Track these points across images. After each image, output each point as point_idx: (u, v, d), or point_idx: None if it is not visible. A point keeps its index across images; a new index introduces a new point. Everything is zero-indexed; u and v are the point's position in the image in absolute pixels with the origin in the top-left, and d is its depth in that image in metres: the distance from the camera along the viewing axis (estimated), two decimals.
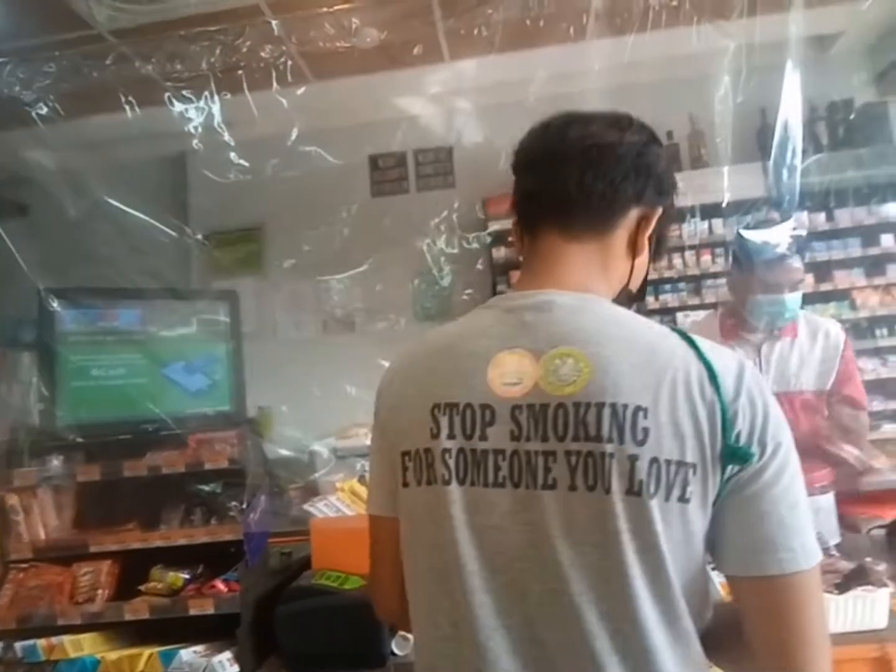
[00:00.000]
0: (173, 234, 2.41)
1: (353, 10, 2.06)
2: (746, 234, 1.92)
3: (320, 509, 1.90)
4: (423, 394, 0.81)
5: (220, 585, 1.60)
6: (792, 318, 1.98)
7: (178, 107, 2.09)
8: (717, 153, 2.65)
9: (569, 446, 0.73)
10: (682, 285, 3.78)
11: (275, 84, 2.08)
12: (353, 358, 3.74)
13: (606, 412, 0.72)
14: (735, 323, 2.05)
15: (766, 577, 0.71)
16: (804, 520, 0.73)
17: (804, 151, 2.00)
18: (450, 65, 3.01)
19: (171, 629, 1.58)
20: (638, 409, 0.72)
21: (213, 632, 1.56)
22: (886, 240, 3.60)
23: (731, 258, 1.96)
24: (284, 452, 2.72)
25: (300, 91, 2.18)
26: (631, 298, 0.91)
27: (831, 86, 3.67)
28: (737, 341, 2.02)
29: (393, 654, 1.48)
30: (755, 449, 0.72)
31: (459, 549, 0.76)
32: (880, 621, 1.29)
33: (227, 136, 2.14)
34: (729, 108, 2.04)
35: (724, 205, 2.25)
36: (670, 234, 0.95)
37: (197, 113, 2.09)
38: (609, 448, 0.71)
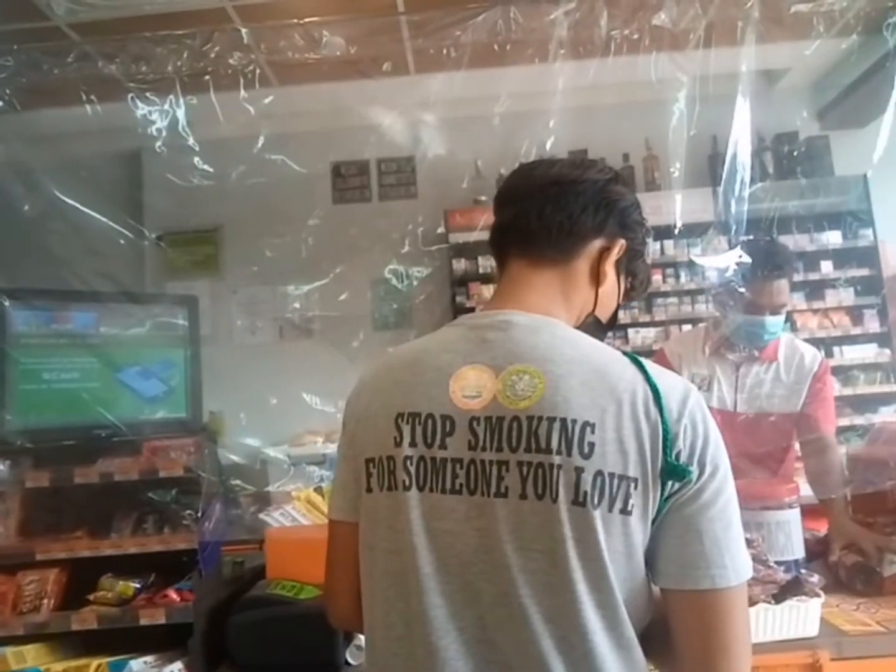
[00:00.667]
0: (128, 233, 2.36)
1: (323, 23, 2.08)
2: (697, 258, 2.00)
3: (276, 518, 1.89)
4: (388, 404, 0.86)
5: (173, 595, 1.58)
6: (770, 339, 2.02)
7: (142, 108, 2.06)
8: (670, 177, 2.77)
9: (521, 457, 0.78)
10: (634, 303, 3.90)
11: (242, 91, 2.08)
12: (309, 365, 3.74)
13: (556, 426, 0.77)
14: (718, 340, 2.09)
15: (698, 591, 0.77)
16: (737, 539, 0.79)
17: (751, 180, 2.11)
18: (415, 77, 3.04)
19: (120, 640, 1.55)
20: (586, 424, 0.77)
21: (163, 642, 1.54)
22: (826, 266, 3.81)
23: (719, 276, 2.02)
24: (237, 459, 2.69)
25: (267, 100, 2.18)
26: (600, 328, 0.96)
27: (778, 118, 3.87)
28: (717, 358, 2.07)
29: (347, 663, 1.49)
30: (694, 468, 0.78)
31: (416, 553, 0.80)
32: (812, 629, 1.37)
33: (191, 141, 2.12)
34: (682, 137, 2.14)
35: (676, 230, 2.34)
36: (646, 272, 1.01)
37: (160, 116, 2.07)
38: (557, 460, 0.76)
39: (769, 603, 1.35)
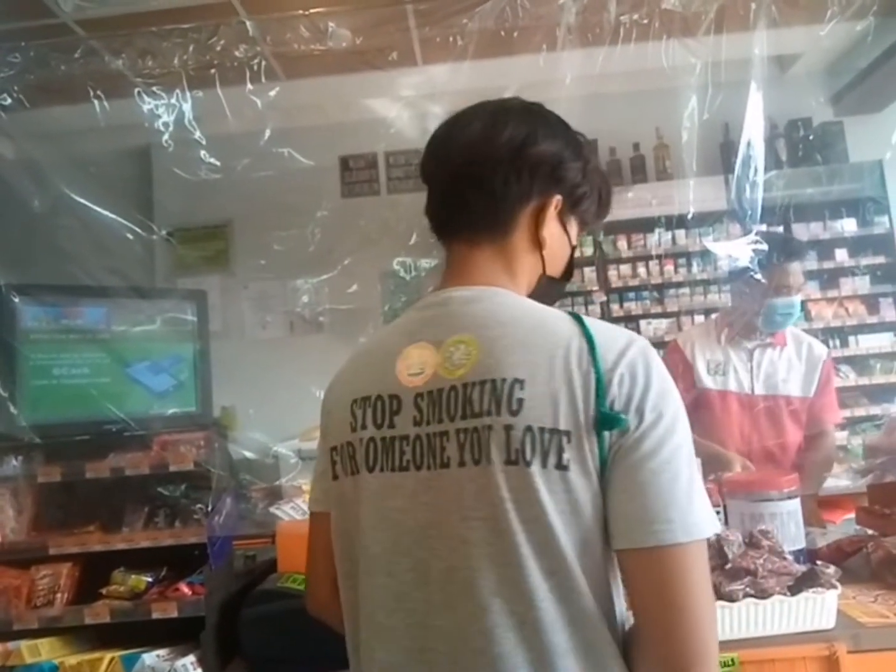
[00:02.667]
0: (138, 229, 2.37)
1: (329, 14, 2.07)
2: (711, 245, 2.01)
3: (286, 512, 1.89)
4: (346, 392, 0.88)
5: (184, 588, 1.58)
6: (798, 319, 2.13)
7: (149, 103, 2.06)
8: (682, 166, 2.74)
9: (458, 425, 0.77)
10: (645, 294, 3.87)
11: (248, 84, 2.07)
12: (320, 359, 3.72)
13: (487, 388, 0.76)
14: (732, 328, 2.15)
15: (645, 549, 0.71)
16: (687, 493, 0.73)
17: (764, 167, 2.09)
18: (423, 68, 3.02)
19: (133, 633, 1.56)
20: (515, 381, 0.75)
21: (176, 635, 1.55)
22: (840, 254, 3.75)
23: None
24: (249, 455, 2.69)
25: (273, 92, 2.17)
26: (557, 283, 0.95)
27: (790, 104, 3.81)
28: (731, 345, 2.14)
29: None
30: (631, 417, 0.73)
31: (364, 534, 0.81)
32: (829, 622, 1.35)
33: (198, 135, 2.12)
34: (695, 124, 2.11)
35: (689, 217, 2.32)
36: (596, 194, 0.94)
37: (167, 110, 2.06)
38: (488, 421, 0.75)
39: (785, 595, 1.33)
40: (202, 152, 2.20)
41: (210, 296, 2.61)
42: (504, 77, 2.53)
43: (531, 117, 0.88)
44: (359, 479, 0.83)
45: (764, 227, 3.02)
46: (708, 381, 2.09)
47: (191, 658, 1.49)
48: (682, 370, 2.10)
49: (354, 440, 0.84)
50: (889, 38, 3.05)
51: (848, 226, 3.76)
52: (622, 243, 3.86)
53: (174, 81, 2.05)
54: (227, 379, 3.12)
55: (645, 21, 2.01)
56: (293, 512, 1.89)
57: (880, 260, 3.75)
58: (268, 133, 2.31)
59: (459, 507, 0.76)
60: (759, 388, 2.09)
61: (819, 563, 1.46)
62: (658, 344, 3.73)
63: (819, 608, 1.34)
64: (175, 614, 1.53)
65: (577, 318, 0.80)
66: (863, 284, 3.77)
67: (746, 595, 1.32)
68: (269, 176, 2.56)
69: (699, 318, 3.71)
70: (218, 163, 2.24)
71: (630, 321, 3.87)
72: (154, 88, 2.07)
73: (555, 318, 0.81)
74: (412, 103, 3.11)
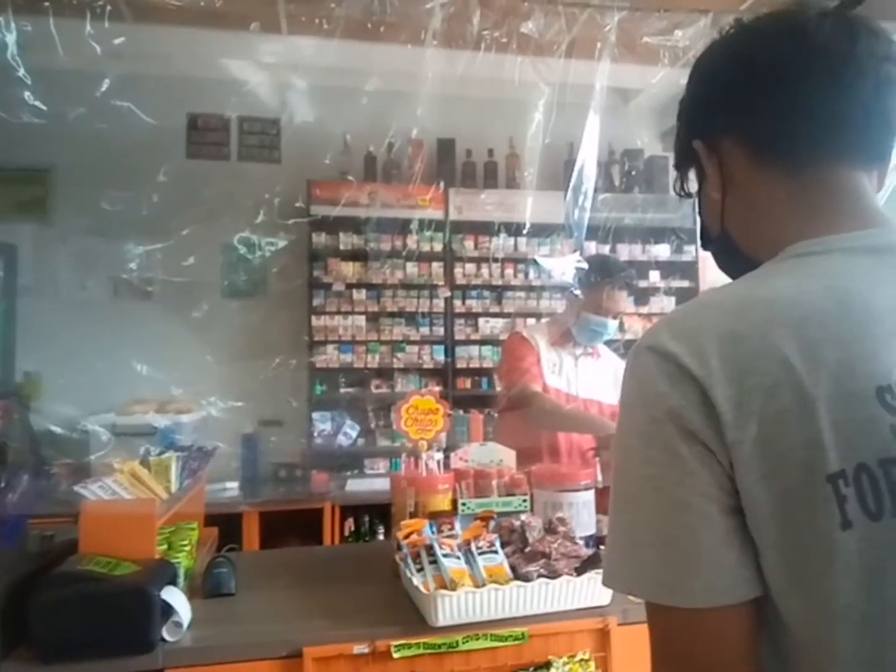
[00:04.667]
0: None
1: None
2: (541, 260, 2.18)
3: (93, 491, 1.76)
4: (847, 375, 0.55)
5: None
6: (607, 339, 2.36)
7: None
8: (532, 178, 2.94)
9: None
10: (486, 293, 4.07)
11: (88, 26, 1.88)
12: (145, 330, 3.50)
13: None
14: (563, 333, 2.37)
15: None
16: None
17: (600, 189, 2.31)
18: (287, 38, 2.94)
19: None
20: None
21: None
22: (654, 275, 4.22)
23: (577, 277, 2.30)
24: (54, 428, 2.47)
25: (118, 41, 2.00)
26: None
27: (629, 134, 4.20)
28: (563, 348, 2.36)
29: (163, 640, 1.45)
30: None
31: None
32: (605, 599, 1.54)
33: (21, 72, 1.88)
34: (538, 143, 2.28)
35: (527, 227, 2.51)
36: None
37: None
38: None
39: (571, 575, 1.50)
40: (26, 93, 1.96)
41: (21, 247, 2.34)
42: (369, 62, 2.55)
43: None
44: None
45: (593, 245, 3.34)
46: (549, 378, 2.31)
47: None
48: (536, 359, 2.28)
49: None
50: None
51: (662, 251, 4.23)
52: (469, 243, 4.03)
53: None
54: (33, 342, 2.84)
55: (504, 40, 2.12)
56: (101, 491, 1.76)
57: (686, 283, 4.27)
58: (107, 83, 2.12)
59: None
60: (581, 391, 2.34)
61: (602, 547, 1.66)
62: (494, 341, 3.96)
63: (598, 587, 1.52)
64: None
65: None
66: (669, 303, 4.28)
67: (540, 575, 1.47)
68: (104, 127, 2.35)
69: (531, 321, 3.98)
70: (44, 107, 2.01)
71: (470, 318, 4.05)
72: None
73: None
74: (274, 71, 3.01)
